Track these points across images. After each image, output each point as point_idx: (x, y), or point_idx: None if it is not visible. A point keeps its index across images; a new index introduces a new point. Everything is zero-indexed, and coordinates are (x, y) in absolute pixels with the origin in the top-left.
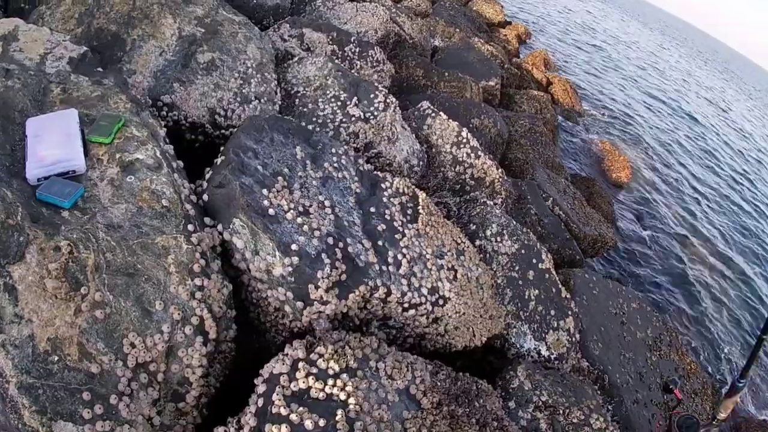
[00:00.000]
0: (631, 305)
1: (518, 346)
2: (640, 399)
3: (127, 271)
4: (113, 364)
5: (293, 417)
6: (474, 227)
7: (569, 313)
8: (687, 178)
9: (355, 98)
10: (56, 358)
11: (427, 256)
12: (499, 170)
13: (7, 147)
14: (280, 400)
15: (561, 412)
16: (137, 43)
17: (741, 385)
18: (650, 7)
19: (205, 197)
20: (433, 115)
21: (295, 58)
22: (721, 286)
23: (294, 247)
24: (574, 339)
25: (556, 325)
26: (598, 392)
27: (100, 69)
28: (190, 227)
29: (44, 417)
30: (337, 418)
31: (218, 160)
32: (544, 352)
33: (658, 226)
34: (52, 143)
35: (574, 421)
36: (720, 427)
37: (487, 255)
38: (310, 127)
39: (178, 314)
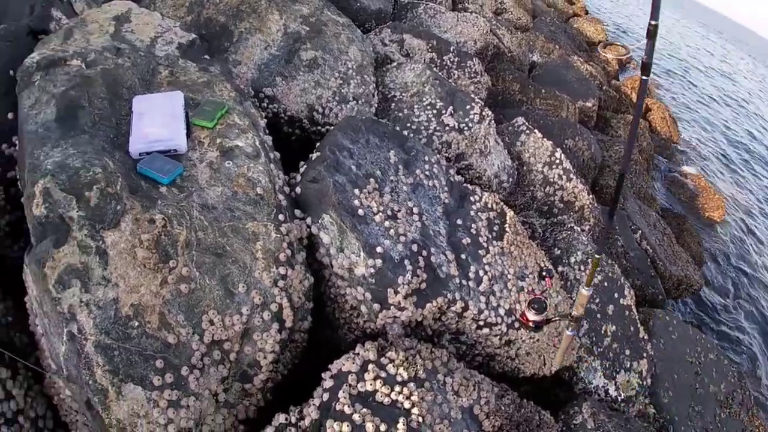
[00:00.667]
0: (708, 356)
1: (587, 381)
2: None
3: (216, 251)
4: (190, 337)
5: (356, 417)
6: (558, 252)
7: (644, 355)
8: None
9: (451, 108)
10: (136, 324)
11: (509, 276)
12: (590, 196)
13: (112, 120)
14: (345, 398)
15: None
16: (244, 36)
17: (587, 291)
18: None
19: (298, 190)
20: (528, 132)
21: (394, 63)
22: None
23: (379, 249)
24: (645, 383)
25: (629, 365)
26: None
27: (206, 57)
28: (281, 217)
29: (116, 377)
30: (398, 425)
31: (313, 156)
32: (612, 392)
33: (749, 274)
34: (157, 121)
35: None
36: (573, 325)
37: (569, 283)
38: (405, 132)
39: (259, 299)
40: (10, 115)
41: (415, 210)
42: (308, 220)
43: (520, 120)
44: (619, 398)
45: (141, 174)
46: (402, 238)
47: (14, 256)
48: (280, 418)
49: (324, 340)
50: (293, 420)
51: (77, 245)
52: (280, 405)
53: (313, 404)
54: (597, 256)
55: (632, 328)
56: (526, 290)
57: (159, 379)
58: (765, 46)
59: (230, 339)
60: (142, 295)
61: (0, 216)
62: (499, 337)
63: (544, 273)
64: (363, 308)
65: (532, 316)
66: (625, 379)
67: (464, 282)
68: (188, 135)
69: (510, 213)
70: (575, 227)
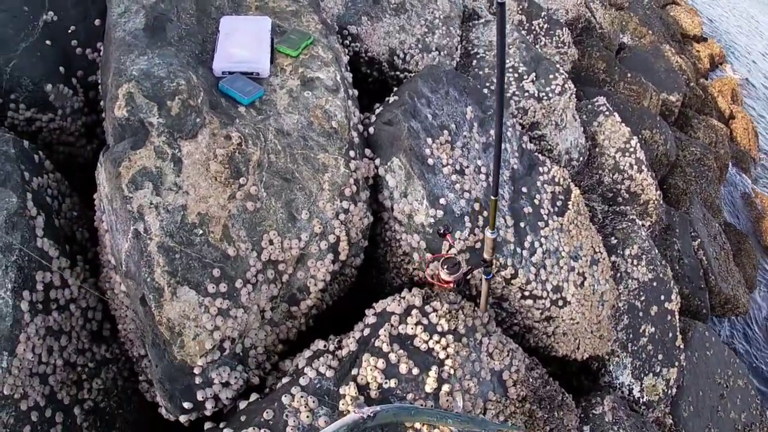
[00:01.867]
0: (738, 381)
1: (614, 376)
2: None
3: (285, 176)
4: (248, 253)
5: (392, 356)
6: (615, 241)
7: (676, 363)
8: None
9: (534, 74)
10: (200, 232)
11: (562, 254)
12: (658, 192)
13: (199, 37)
14: (385, 336)
15: None
16: None
17: (491, 234)
18: None
19: (371, 130)
20: (607, 113)
21: (482, 20)
22: None
23: (442, 201)
24: (670, 391)
25: (658, 370)
26: None
27: None
28: (352, 153)
29: (173, 279)
30: (430, 372)
31: (390, 99)
32: (636, 393)
33: None
34: (242, 43)
35: None
36: (487, 269)
37: (619, 274)
38: (485, 90)
39: (319, 228)
40: (97, 22)
41: (483, 169)
42: (377, 161)
43: (601, 100)
44: (641, 400)
45: (222, 92)
46: (466, 195)
47: (86, 156)
48: (319, 344)
49: (370, 281)
50: (331, 348)
51: (154, 150)
52: (319, 333)
53: (353, 337)
54: (493, 197)
55: (670, 334)
56: (576, 271)
57: (213, 287)
58: None
59: (286, 261)
60: (210, 206)
61: (78, 117)
62: (540, 311)
63: (443, 231)
64: (415, 255)
65: (446, 276)
66: (652, 383)
67: (518, 250)
68: (272, 60)
69: (576, 191)
70: (636, 220)
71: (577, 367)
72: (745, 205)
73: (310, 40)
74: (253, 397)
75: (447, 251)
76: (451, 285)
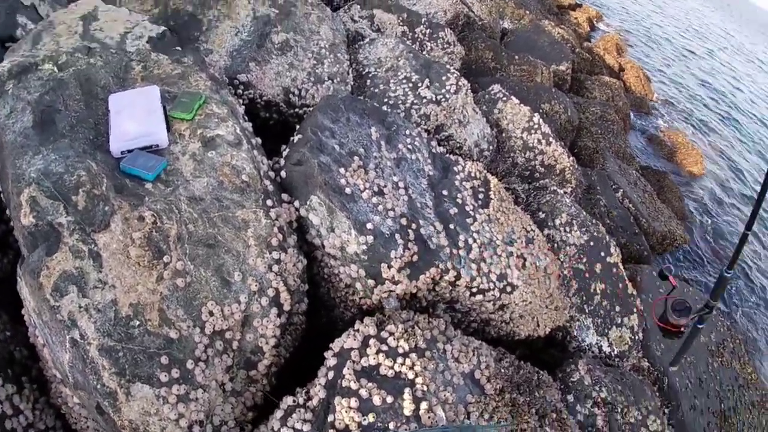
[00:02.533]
0: (697, 307)
1: (580, 339)
2: (697, 405)
3: (208, 242)
4: (191, 330)
5: (362, 392)
6: (543, 215)
7: (634, 310)
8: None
9: (427, 80)
10: (137, 323)
11: (498, 242)
12: (570, 158)
13: (90, 121)
14: (350, 374)
15: (619, 410)
16: (213, 23)
17: (728, 275)
18: None
19: (283, 174)
20: (504, 99)
21: (366, 39)
22: None
23: (369, 225)
24: (637, 337)
25: (620, 321)
26: (657, 394)
27: (178, 48)
28: (269, 202)
29: (123, 379)
30: (404, 396)
31: (295, 138)
32: (606, 348)
33: (731, 225)
34: (135, 118)
35: (632, 420)
36: (711, 313)
37: (555, 245)
38: (384, 107)
39: (256, 285)
40: None
41: (401, 184)
42: (296, 203)
43: (496, 87)
44: (613, 354)
45: (125, 172)
46: (391, 213)
47: (4, 270)
48: (288, 401)
49: (321, 321)
50: (301, 401)
51: (70, 251)
52: (285, 389)
53: (319, 383)
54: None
55: (620, 285)
56: (515, 255)
57: (166, 375)
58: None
59: (231, 328)
60: (140, 293)
61: None
62: (492, 302)
63: (665, 273)
64: (358, 285)
65: (675, 320)
66: (618, 335)
67: (455, 251)
68: (168, 128)
69: (494, 180)
70: (558, 190)
71: (542, 343)
72: (656, 146)
73: (203, 100)
74: None
75: (670, 293)
76: (682, 329)
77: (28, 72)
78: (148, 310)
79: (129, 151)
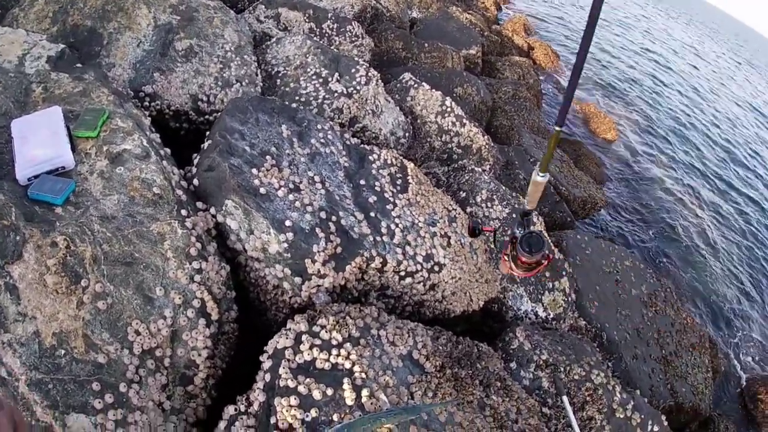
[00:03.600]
0: (624, 263)
1: (515, 308)
2: (639, 354)
3: (125, 261)
4: (120, 352)
5: (301, 388)
6: (464, 194)
7: (563, 273)
8: (673, 137)
9: (337, 74)
10: (63, 352)
11: (420, 225)
12: (486, 137)
13: None
14: (286, 373)
15: (562, 369)
16: (114, 36)
17: (541, 177)
18: None
19: (196, 182)
20: (416, 86)
21: (273, 39)
22: (711, 238)
23: (288, 223)
24: (570, 299)
25: (551, 286)
26: (597, 349)
27: (79, 65)
28: (183, 212)
29: (56, 411)
30: (344, 386)
31: (205, 145)
32: (542, 314)
33: (647, 184)
34: (39, 142)
35: (576, 377)
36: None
37: (479, 220)
38: (293, 105)
39: (179, 298)
40: None
41: (317, 178)
42: (212, 210)
43: (407, 75)
44: (550, 317)
45: (33, 199)
46: (309, 208)
47: None
48: (230, 410)
49: (255, 327)
50: (242, 408)
51: None
52: (228, 400)
53: (258, 387)
54: (558, 128)
55: (547, 251)
56: (439, 235)
57: (100, 402)
58: None
59: (160, 345)
60: (62, 321)
61: None
62: (422, 283)
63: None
64: (285, 285)
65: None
66: (551, 299)
67: (378, 238)
68: (73, 149)
69: (410, 165)
70: (476, 168)
71: (480, 317)
72: (569, 118)
73: (106, 115)
74: None
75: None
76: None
77: None
78: (73, 338)
79: (36, 177)
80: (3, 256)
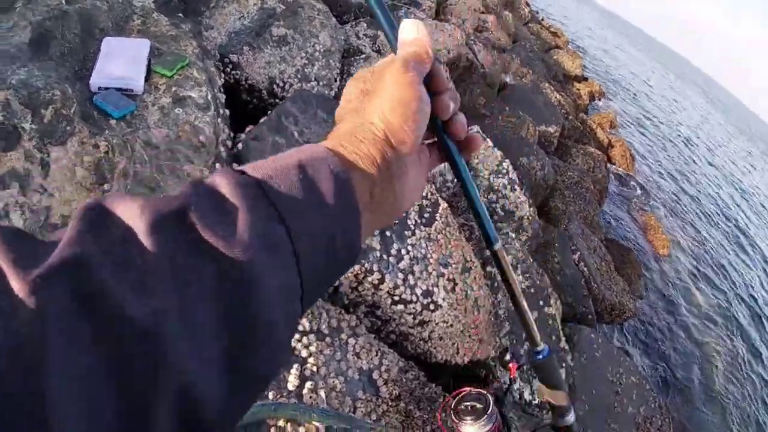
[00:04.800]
0: (631, 378)
1: (502, 381)
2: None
3: (150, 185)
4: None
5: None
6: (489, 254)
7: (563, 365)
8: (729, 272)
9: None
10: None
11: (431, 260)
12: (531, 209)
13: (80, 55)
14: None
15: None
16: (221, 3)
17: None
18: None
19: (240, 146)
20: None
21: (363, 55)
22: (732, 389)
23: None
24: None
25: None
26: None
27: (181, 15)
28: (218, 166)
29: None
30: (291, 370)
31: (262, 119)
32: (527, 396)
33: (684, 313)
34: (120, 62)
35: None
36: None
37: (495, 283)
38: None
39: None
40: None
41: None
42: None
43: (475, 127)
44: (533, 402)
45: (96, 105)
46: None
47: None
48: None
49: None
50: None
51: (24, 153)
52: None
53: None
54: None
55: (554, 337)
56: (446, 277)
57: None
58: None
59: None
60: (73, 209)
61: None
62: (413, 315)
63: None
64: None
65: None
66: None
67: (385, 256)
68: (147, 79)
69: (443, 204)
70: (510, 233)
71: (465, 376)
72: (626, 223)
73: (186, 62)
74: None
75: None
76: None
77: None
78: None
79: (106, 89)
80: (50, 136)
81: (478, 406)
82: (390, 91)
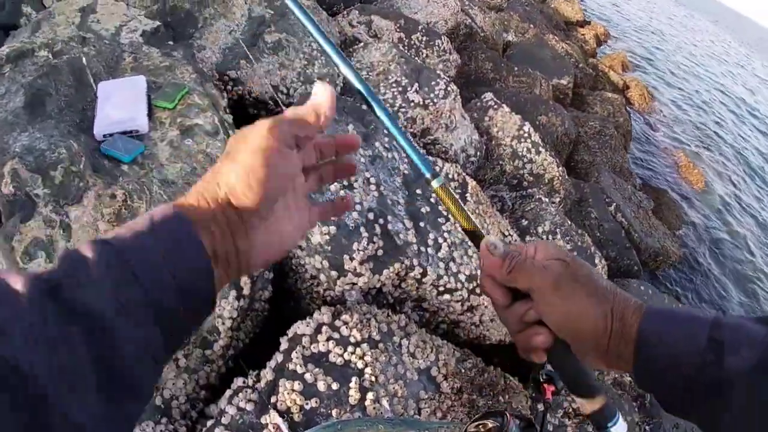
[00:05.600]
0: None
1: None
2: (680, 424)
3: None
4: None
5: (308, 376)
6: (526, 223)
7: None
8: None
9: (416, 84)
10: None
11: (470, 243)
12: (560, 168)
13: (78, 106)
14: (298, 358)
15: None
16: (208, 21)
17: None
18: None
19: None
20: (495, 107)
21: (361, 43)
22: None
23: (333, 217)
24: None
25: None
26: (636, 410)
27: (170, 43)
28: None
29: None
30: (351, 384)
31: None
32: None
33: (728, 247)
34: (119, 104)
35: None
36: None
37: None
38: (364, 107)
39: None
40: None
41: (373, 180)
42: None
43: (488, 95)
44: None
45: (104, 154)
46: (358, 207)
47: None
48: (239, 382)
49: (288, 312)
50: (251, 383)
51: (42, 220)
52: (243, 373)
53: (270, 366)
54: None
55: None
56: None
57: None
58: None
59: None
60: None
61: None
62: (460, 302)
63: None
64: (322, 276)
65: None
66: None
67: (423, 249)
68: (150, 116)
69: (472, 183)
70: (543, 198)
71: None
72: (656, 163)
73: (186, 90)
74: None
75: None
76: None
77: (25, 57)
78: None
79: (111, 135)
80: (65, 197)
81: (490, 425)
82: (241, 157)
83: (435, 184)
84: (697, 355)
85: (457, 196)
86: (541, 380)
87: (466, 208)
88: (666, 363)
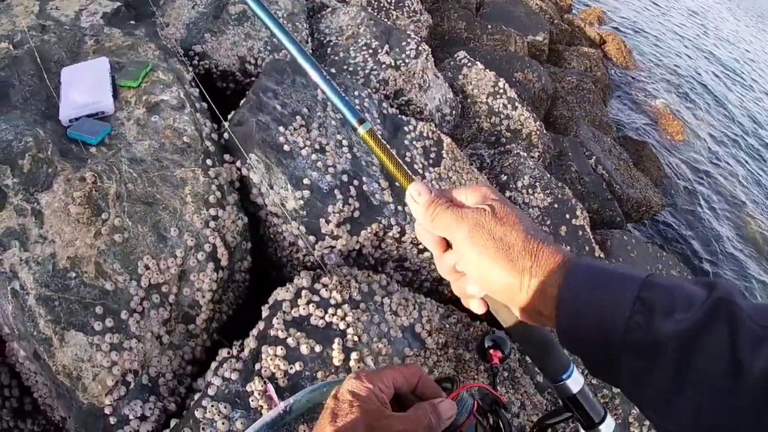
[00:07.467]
0: (671, 272)
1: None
2: None
3: (146, 200)
4: (127, 283)
5: (290, 340)
6: (505, 178)
7: None
8: (746, 148)
9: (387, 46)
10: (74, 275)
11: None
12: (537, 123)
13: (43, 94)
14: (279, 324)
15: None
16: None
17: None
18: None
19: (226, 135)
20: (469, 64)
21: (329, 9)
22: None
23: (306, 181)
24: None
25: None
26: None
27: (132, 22)
28: (209, 162)
29: (57, 326)
30: (333, 346)
31: (241, 102)
32: None
33: (711, 196)
34: (84, 88)
35: (594, 381)
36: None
37: (518, 206)
38: (333, 70)
39: (192, 241)
40: None
41: (345, 142)
42: (238, 163)
43: (462, 54)
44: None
45: (72, 138)
46: (331, 170)
47: None
48: (223, 353)
49: (271, 281)
50: (235, 352)
51: (14, 209)
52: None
53: (252, 335)
54: None
55: (587, 248)
56: None
57: (99, 324)
58: None
59: (167, 282)
60: (78, 248)
61: None
62: None
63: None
64: (300, 242)
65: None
66: None
67: (399, 208)
68: (115, 96)
69: (447, 140)
70: (521, 153)
71: None
72: (636, 116)
73: (149, 67)
74: (173, 423)
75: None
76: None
77: None
78: (85, 263)
79: (77, 119)
80: (34, 184)
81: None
82: None
83: (361, 130)
84: (622, 317)
85: (385, 143)
86: (486, 346)
87: (394, 153)
88: (588, 325)
